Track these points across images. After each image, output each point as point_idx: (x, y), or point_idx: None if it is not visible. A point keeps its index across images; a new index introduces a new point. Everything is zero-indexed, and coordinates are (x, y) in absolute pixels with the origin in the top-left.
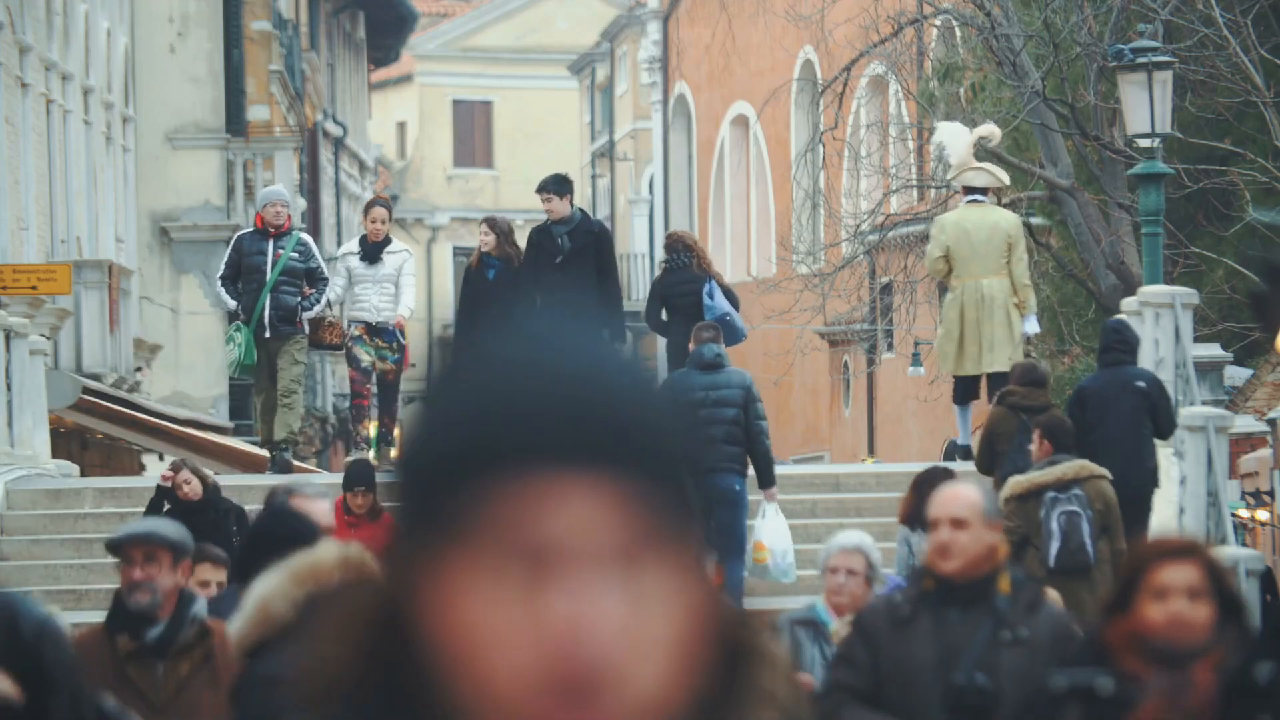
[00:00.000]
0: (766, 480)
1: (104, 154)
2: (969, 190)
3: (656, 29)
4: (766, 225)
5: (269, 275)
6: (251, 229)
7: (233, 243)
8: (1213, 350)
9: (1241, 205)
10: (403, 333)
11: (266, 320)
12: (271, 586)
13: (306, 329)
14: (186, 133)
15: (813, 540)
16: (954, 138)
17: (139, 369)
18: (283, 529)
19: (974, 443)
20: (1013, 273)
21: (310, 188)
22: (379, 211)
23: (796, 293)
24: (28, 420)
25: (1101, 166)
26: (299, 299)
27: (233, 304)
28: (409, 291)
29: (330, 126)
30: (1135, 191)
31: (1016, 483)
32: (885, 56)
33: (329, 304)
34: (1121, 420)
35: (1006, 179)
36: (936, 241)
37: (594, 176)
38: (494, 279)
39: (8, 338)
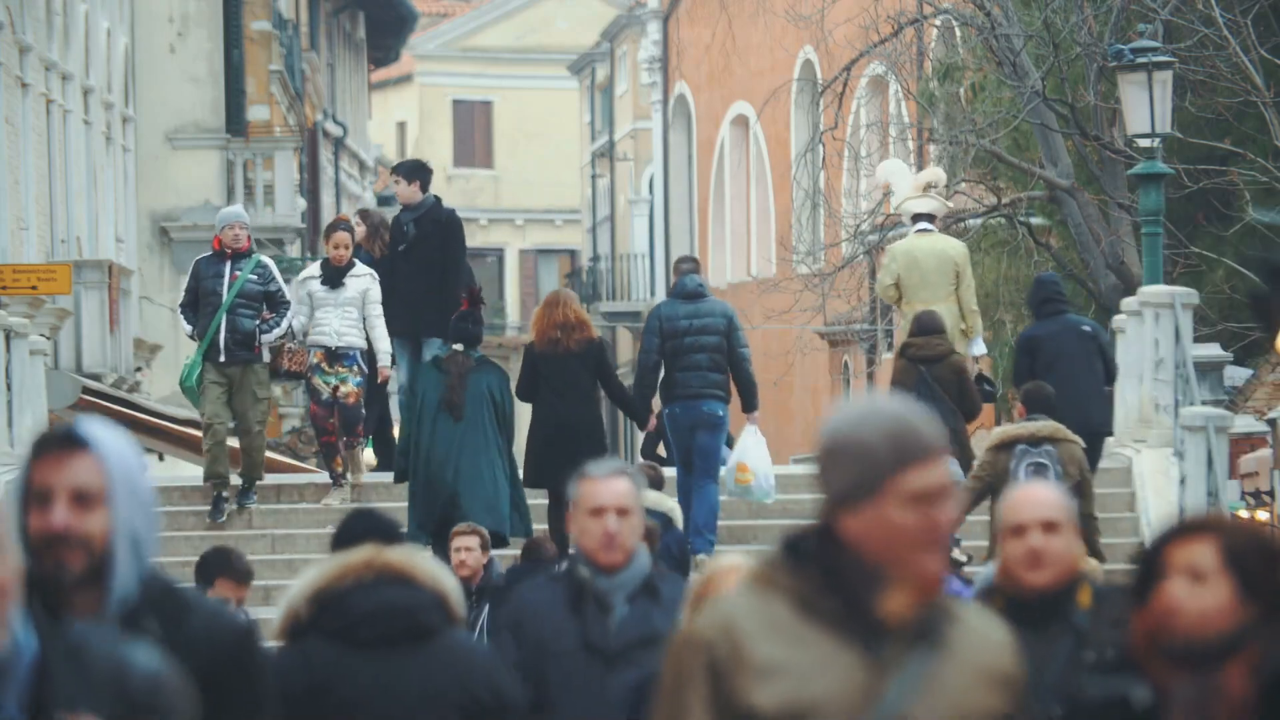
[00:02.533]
0: (750, 405)
1: (104, 154)
2: (917, 218)
3: (656, 29)
4: (766, 225)
5: (224, 298)
6: (209, 253)
7: (191, 269)
8: (1213, 350)
9: (1241, 205)
10: (364, 357)
11: (221, 344)
12: (301, 584)
13: (266, 356)
14: (186, 133)
15: None
16: (898, 175)
17: (139, 369)
18: (363, 526)
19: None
20: (960, 299)
21: (310, 188)
22: (342, 236)
23: (796, 293)
24: (28, 420)
25: (1101, 166)
26: (257, 322)
27: (189, 328)
28: (381, 330)
29: (330, 126)
30: (1135, 191)
31: (995, 434)
32: (885, 56)
33: (292, 334)
34: (1076, 364)
35: (949, 205)
36: (887, 270)
37: (594, 176)
38: None
39: (8, 338)
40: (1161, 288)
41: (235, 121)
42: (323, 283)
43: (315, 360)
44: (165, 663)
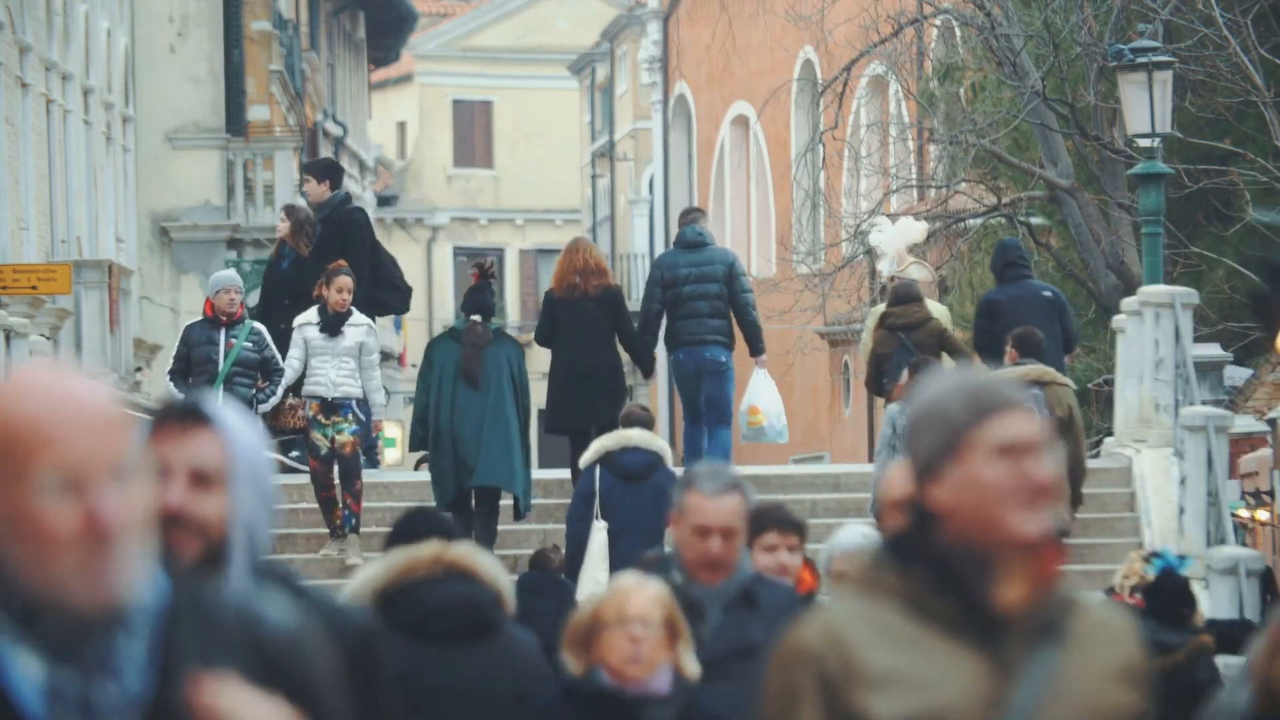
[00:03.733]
0: (756, 349)
1: (104, 154)
2: None
3: (656, 29)
4: (766, 225)
5: (221, 366)
6: (200, 318)
7: (180, 334)
8: (1213, 350)
9: (1241, 205)
10: (360, 405)
11: None
12: (368, 575)
13: (262, 425)
14: (186, 133)
15: (813, 540)
16: (887, 237)
17: (139, 369)
18: (425, 524)
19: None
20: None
21: None
22: (345, 280)
23: (796, 293)
24: None
25: (1101, 166)
26: (254, 392)
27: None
28: (376, 382)
29: (330, 126)
30: (1135, 191)
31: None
32: (885, 56)
33: (287, 388)
34: (1036, 328)
35: (934, 274)
36: (869, 330)
37: (594, 176)
38: (287, 269)
39: (8, 338)
40: (1161, 288)
41: (235, 121)
42: (321, 330)
43: (311, 413)
44: (304, 619)
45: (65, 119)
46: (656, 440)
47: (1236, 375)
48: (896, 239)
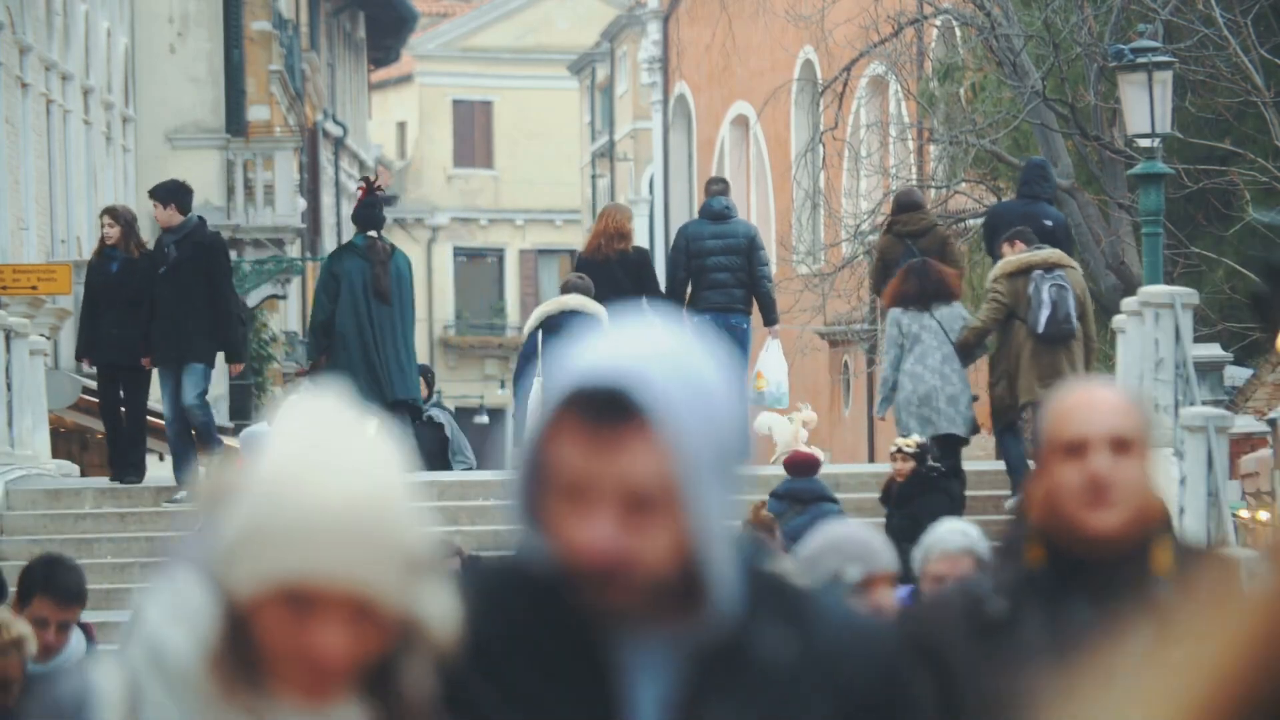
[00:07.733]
0: (770, 319)
1: (104, 154)
2: None
3: (656, 29)
4: (766, 225)
5: None
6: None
7: None
8: (1213, 350)
9: (1241, 205)
10: None
11: None
12: None
13: None
14: (186, 133)
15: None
16: (777, 426)
17: None
18: None
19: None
20: None
21: (310, 188)
22: None
23: (796, 293)
24: (28, 420)
25: (1101, 166)
26: None
27: None
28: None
29: (330, 126)
30: (1135, 191)
31: (1008, 261)
32: (885, 56)
33: None
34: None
35: (822, 455)
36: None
37: (594, 176)
38: (117, 272)
39: (8, 338)
40: (1161, 288)
41: (235, 121)
42: None
43: None
44: None
45: (65, 119)
46: (591, 304)
47: (1236, 375)
48: (788, 434)
